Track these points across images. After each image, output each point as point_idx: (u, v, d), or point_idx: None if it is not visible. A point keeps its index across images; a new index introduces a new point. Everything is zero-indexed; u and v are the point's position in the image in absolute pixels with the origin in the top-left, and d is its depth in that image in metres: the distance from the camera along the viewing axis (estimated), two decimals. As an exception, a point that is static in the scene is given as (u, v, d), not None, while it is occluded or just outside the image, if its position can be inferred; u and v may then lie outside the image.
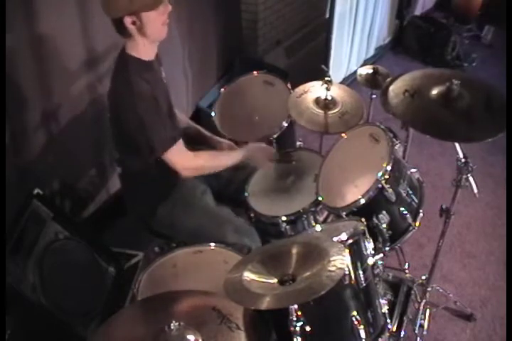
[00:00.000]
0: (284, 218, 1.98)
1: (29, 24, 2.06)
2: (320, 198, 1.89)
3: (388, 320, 1.56)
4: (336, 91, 2.30)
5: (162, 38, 1.83)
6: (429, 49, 4.62)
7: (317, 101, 2.28)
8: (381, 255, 1.55)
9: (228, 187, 2.25)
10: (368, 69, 2.55)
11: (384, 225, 1.74)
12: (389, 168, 1.70)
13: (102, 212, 2.74)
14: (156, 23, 1.75)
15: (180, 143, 1.88)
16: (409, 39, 4.79)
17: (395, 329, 1.98)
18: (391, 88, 1.83)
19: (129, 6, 1.66)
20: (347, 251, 1.37)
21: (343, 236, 1.44)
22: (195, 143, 2.19)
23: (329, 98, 2.26)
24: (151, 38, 1.78)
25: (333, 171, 1.96)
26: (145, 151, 1.85)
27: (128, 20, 1.70)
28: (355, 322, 1.41)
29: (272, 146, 2.33)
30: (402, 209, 1.76)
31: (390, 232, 1.76)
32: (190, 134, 2.23)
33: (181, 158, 1.89)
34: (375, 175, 1.70)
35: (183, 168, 1.90)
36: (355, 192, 1.75)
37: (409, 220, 1.76)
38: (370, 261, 1.50)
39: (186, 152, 1.91)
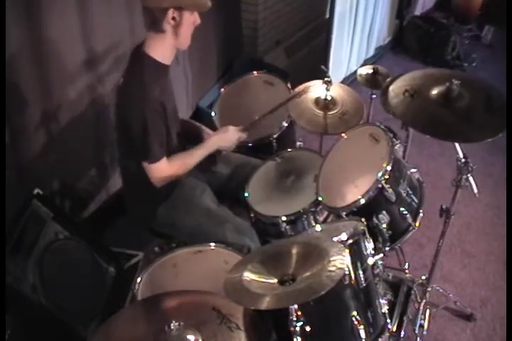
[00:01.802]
0: (284, 218, 1.98)
1: (29, 24, 2.06)
2: (320, 198, 1.89)
3: (388, 320, 1.56)
4: (336, 91, 2.30)
5: (185, 47, 1.86)
6: (429, 49, 4.62)
7: (317, 101, 2.28)
8: (381, 255, 1.56)
9: (228, 187, 2.25)
10: (367, 69, 2.55)
11: (384, 225, 1.74)
12: (389, 168, 1.70)
13: (102, 212, 2.74)
14: (190, 27, 1.79)
15: (165, 159, 1.88)
16: (409, 39, 4.79)
17: (395, 329, 1.98)
18: (391, 88, 1.83)
19: None
20: (347, 251, 1.37)
21: (343, 236, 1.44)
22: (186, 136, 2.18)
23: (329, 98, 2.26)
24: (179, 40, 1.80)
25: (333, 171, 1.96)
26: (137, 153, 1.86)
27: (170, 14, 1.71)
28: (355, 322, 1.41)
29: (272, 146, 2.33)
30: (402, 209, 1.76)
31: (390, 232, 1.76)
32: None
33: (160, 172, 1.89)
34: (375, 175, 1.70)
35: (157, 180, 1.91)
36: (355, 192, 1.76)
37: (409, 220, 1.76)
38: (370, 261, 1.50)
39: (165, 164, 1.90)
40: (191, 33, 1.82)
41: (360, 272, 1.44)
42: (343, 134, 2.02)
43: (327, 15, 3.69)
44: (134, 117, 1.78)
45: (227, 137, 2.10)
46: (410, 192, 1.81)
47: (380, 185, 1.69)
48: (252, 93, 2.50)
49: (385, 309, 1.55)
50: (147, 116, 1.75)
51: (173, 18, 1.72)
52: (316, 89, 2.30)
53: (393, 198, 1.72)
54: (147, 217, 2.08)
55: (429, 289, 2.26)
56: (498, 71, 3.99)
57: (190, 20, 1.77)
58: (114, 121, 1.97)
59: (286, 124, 2.35)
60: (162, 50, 1.81)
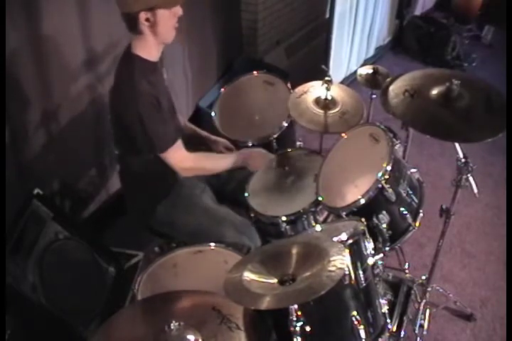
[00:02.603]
0: (284, 218, 1.98)
1: (29, 24, 2.06)
2: (320, 198, 1.89)
3: (388, 320, 1.56)
4: (336, 91, 2.30)
5: (170, 41, 1.85)
6: (429, 49, 4.62)
7: (317, 101, 2.28)
8: (381, 255, 1.56)
9: (228, 186, 2.25)
10: (367, 69, 2.55)
11: (384, 225, 1.74)
12: (389, 168, 1.70)
13: (102, 212, 2.74)
14: (168, 23, 1.77)
15: (179, 143, 1.90)
16: (409, 39, 4.79)
17: (395, 329, 1.98)
18: (391, 88, 1.83)
19: (149, 0, 1.67)
20: (347, 251, 1.37)
21: (343, 236, 1.44)
22: (192, 143, 2.19)
23: (329, 98, 2.26)
24: (160, 37, 1.79)
25: (333, 171, 1.96)
26: (144, 149, 1.86)
27: (143, 16, 1.70)
28: (355, 322, 1.41)
29: (272, 146, 2.33)
30: (402, 209, 1.76)
31: (390, 232, 1.76)
32: (187, 135, 2.23)
33: (180, 159, 1.91)
34: (375, 175, 1.70)
35: (181, 168, 1.94)
36: (355, 192, 1.75)
37: (409, 220, 1.76)
38: (370, 261, 1.50)
39: (185, 152, 1.93)
40: (174, 25, 1.79)
41: (360, 272, 1.44)
42: (343, 134, 2.02)
43: (327, 15, 3.70)
44: (129, 115, 1.79)
45: (259, 156, 2.13)
46: (410, 192, 1.81)
47: (380, 185, 1.69)
48: (252, 93, 2.50)
49: (385, 309, 1.55)
50: (141, 111, 1.76)
51: (147, 19, 1.71)
52: (316, 89, 2.31)
53: (393, 198, 1.72)
54: (147, 216, 2.08)
55: (429, 289, 2.26)
56: (498, 71, 3.99)
57: (168, 16, 1.74)
58: (110, 120, 1.97)
59: (286, 124, 2.35)
60: (147, 49, 1.81)
